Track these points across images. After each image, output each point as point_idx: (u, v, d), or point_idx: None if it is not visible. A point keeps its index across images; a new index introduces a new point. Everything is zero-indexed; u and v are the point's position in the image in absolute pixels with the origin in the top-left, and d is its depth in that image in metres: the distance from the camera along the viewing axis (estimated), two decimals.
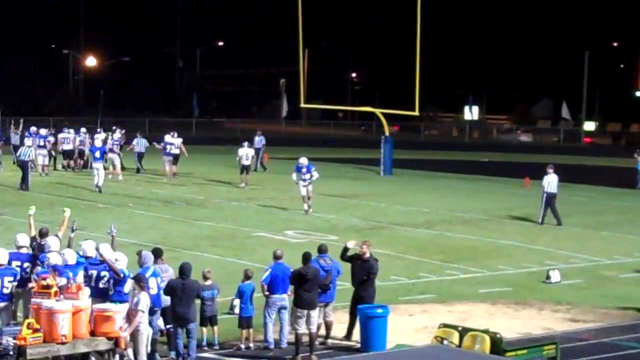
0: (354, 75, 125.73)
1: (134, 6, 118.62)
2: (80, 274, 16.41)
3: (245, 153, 42.94)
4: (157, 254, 17.70)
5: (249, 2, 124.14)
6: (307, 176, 34.02)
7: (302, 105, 59.79)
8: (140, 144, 46.36)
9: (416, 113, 50.60)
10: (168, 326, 17.32)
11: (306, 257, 17.82)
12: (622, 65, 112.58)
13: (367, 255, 18.82)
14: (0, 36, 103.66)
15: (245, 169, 42.72)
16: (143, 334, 15.59)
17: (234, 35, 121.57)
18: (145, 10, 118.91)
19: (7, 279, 16.45)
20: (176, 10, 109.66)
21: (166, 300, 17.25)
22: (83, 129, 48.00)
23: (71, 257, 16.66)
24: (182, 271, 17.16)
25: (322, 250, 18.63)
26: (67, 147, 45.97)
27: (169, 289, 17.01)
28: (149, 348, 16.00)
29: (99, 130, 48.53)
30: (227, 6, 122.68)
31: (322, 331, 18.49)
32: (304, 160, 34.66)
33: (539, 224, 33.51)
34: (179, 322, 16.98)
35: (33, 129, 45.51)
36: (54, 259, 16.50)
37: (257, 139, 49.31)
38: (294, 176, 35.21)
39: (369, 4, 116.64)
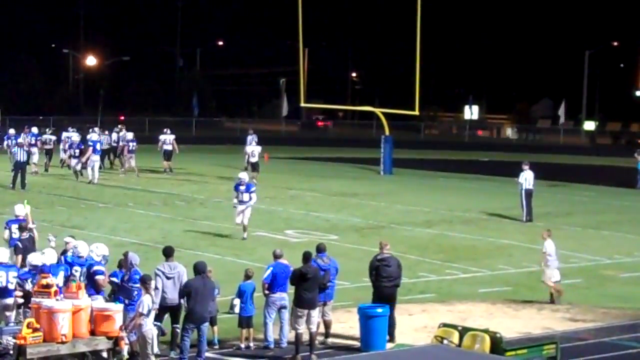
0: (354, 75, 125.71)
1: (133, 6, 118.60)
2: (61, 275, 16.43)
3: (252, 150, 43.93)
4: (169, 253, 17.69)
5: (249, 2, 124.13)
6: (246, 197, 28.77)
7: (302, 104, 59.81)
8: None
9: (416, 112, 50.59)
10: (174, 325, 17.32)
11: (306, 257, 17.81)
12: (622, 65, 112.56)
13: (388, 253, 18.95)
14: (0, 36, 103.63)
15: (253, 166, 43.39)
16: (147, 335, 15.57)
17: (234, 35, 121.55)
18: (145, 10, 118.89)
19: (12, 273, 16.49)
20: (176, 10, 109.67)
21: (173, 300, 17.21)
22: (117, 128, 49.25)
23: (52, 257, 16.67)
24: (202, 269, 17.08)
25: (320, 249, 18.61)
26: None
27: (190, 288, 16.86)
28: (155, 348, 16.00)
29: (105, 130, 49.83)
30: (227, 6, 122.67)
31: (322, 329, 18.46)
32: (244, 176, 29.64)
33: (524, 222, 33.69)
34: (197, 321, 16.82)
35: (12, 131, 45.66)
36: (35, 259, 16.57)
37: (249, 137, 49.19)
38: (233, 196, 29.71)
39: (369, 3, 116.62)
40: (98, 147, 42.06)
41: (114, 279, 17.03)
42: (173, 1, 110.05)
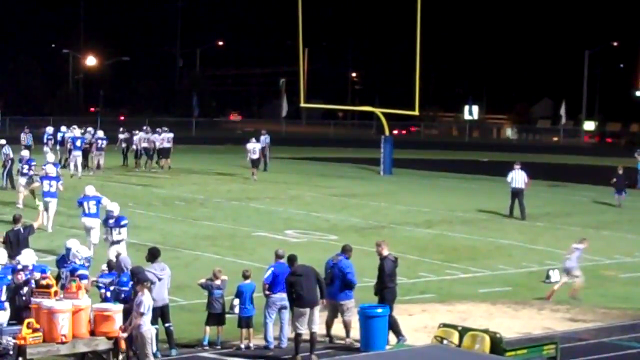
0: (354, 75, 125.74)
1: (134, 6, 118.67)
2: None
3: (253, 147, 44.86)
4: (157, 254, 17.77)
5: (249, 2, 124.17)
6: (115, 234, 22.88)
7: (302, 104, 59.79)
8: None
9: (416, 112, 50.59)
10: (168, 324, 17.35)
11: (290, 259, 17.83)
12: (622, 65, 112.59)
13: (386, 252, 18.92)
14: (0, 36, 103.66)
15: (254, 162, 44.49)
16: (145, 335, 15.57)
17: (234, 35, 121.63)
18: (145, 10, 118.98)
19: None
20: (176, 10, 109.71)
21: (164, 300, 17.33)
22: (146, 127, 49.71)
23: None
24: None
25: (342, 249, 18.82)
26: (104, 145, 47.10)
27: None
28: (154, 347, 16.00)
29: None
30: (227, 6, 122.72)
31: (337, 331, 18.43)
32: (113, 207, 23.45)
33: (507, 216, 34.68)
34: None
35: (63, 128, 47.38)
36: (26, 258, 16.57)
37: (262, 138, 49.82)
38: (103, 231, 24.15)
39: (369, 3, 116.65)
40: (78, 143, 43.07)
41: (103, 280, 16.92)
42: (173, 1, 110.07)
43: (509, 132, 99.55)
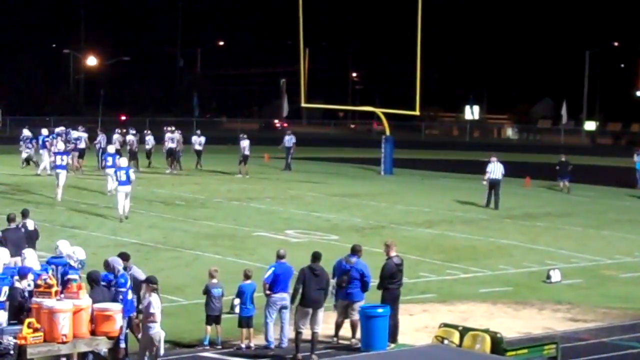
0: (354, 74, 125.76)
1: (134, 5, 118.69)
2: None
3: (249, 144, 46.11)
4: (126, 257, 17.29)
5: (249, 2, 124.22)
6: None
7: (303, 104, 59.79)
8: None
9: (417, 112, 50.59)
10: None
11: (315, 256, 17.81)
12: (622, 65, 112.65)
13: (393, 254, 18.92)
14: (0, 36, 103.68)
15: (245, 159, 45.76)
16: (154, 337, 15.54)
17: (235, 35, 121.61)
18: (146, 10, 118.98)
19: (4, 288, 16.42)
20: (176, 10, 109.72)
21: None
22: (170, 128, 49.88)
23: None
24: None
25: (352, 249, 18.77)
26: (80, 146, 46.70)
27: None
28: (162, 350, 15.98)
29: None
30: (227, 6, 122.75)
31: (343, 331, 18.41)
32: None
33: (484, 207, 36.56)
34: None
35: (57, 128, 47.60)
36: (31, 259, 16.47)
37: (287, 138, 49.94)
38: None
39: (369, 3, 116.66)
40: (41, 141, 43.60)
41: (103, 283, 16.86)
42: (173, 1, 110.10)
43: (510, 132, 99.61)
